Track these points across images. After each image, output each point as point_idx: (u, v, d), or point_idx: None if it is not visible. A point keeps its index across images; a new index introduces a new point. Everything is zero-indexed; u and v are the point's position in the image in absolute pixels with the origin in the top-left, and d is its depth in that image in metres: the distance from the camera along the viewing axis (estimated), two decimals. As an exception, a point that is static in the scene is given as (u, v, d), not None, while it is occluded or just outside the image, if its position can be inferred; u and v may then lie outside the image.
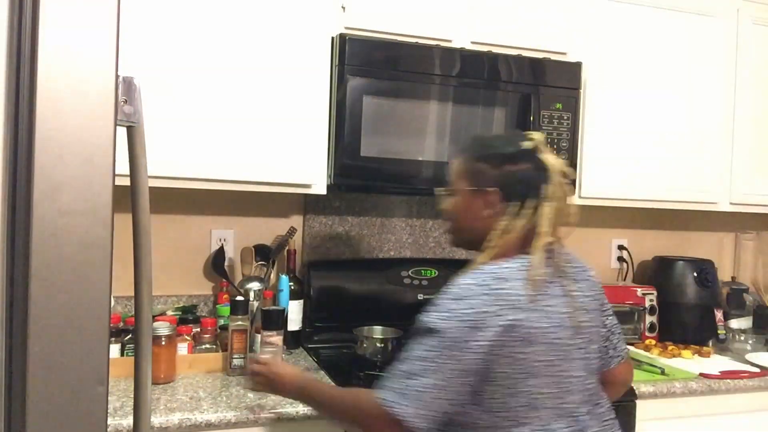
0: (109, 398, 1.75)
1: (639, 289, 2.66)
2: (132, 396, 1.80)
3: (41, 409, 0.67)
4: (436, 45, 2.18)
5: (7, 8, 0.66)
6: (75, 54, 0.68)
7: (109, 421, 1.60)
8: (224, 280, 2.33)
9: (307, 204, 2.51)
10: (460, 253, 2.69)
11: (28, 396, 0.67)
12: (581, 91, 2.35)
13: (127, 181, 0.85)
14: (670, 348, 2.48)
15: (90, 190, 0.68)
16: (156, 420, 1.64)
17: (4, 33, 0.66)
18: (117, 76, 0.71)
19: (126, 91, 0.79)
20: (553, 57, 2.34)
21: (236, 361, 2.01)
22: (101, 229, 0.68)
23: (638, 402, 2.07)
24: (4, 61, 0.67)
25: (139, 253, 0.85)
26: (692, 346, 2.47)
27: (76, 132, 0.68)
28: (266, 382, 1.60)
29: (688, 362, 2.37)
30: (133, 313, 2.15)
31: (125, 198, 0.87)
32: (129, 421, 1.61)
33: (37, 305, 0.67)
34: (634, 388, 2.08)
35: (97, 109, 0.69)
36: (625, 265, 2.92)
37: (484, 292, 1.31)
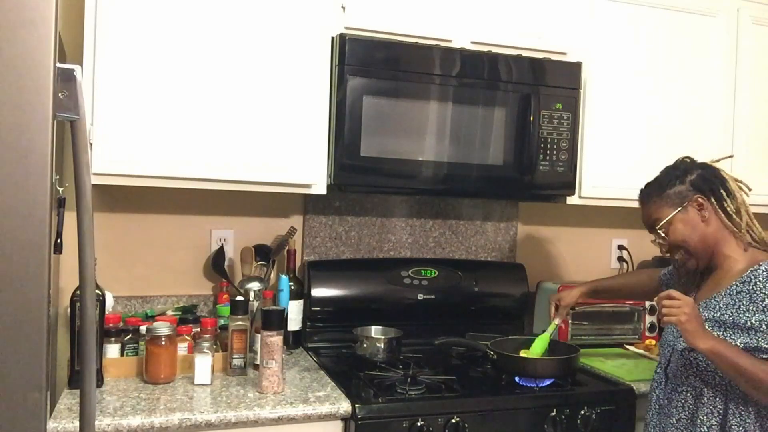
0: (109, 398, 1.75)
1: (639, 289, 2.65)
2: (131, 396, 1.80)
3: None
4: (436, 45, 2.18)
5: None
6: (8, 45, 0.64)
7: (109, 420, 1.60)
8: (224, 280, 2.33)
9: (307, 204, 2.51)
10: (459, 254, 2.70)
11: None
12: (581, 91, 2.35)
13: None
14: (670, 348, 2.48)
15: (25, 189, 0.65)
16: (156, 420, 1.63)
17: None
18: (55, 68, 0.66)
19: (65, 83, 0.73)
20: (553, 57, 2.33)
21: (236, 361, 2.01)
22: (37, 230, 0.65)
23: (638, 402, 2.06)
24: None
25: (83, 254, 0.79)
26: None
27: (10, 128, 0.63)
28: (688, 316, 1.58)
29: (688, 362, 2.37)
30: (133, 313, 2.16)
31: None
32: (129, 420, 1.61)
33: (-30, 308, 0.63)
34: (634, 388, 2.08)
35: (33, 103, 0.65)
36: (625, 265, 2.92)
37: None
